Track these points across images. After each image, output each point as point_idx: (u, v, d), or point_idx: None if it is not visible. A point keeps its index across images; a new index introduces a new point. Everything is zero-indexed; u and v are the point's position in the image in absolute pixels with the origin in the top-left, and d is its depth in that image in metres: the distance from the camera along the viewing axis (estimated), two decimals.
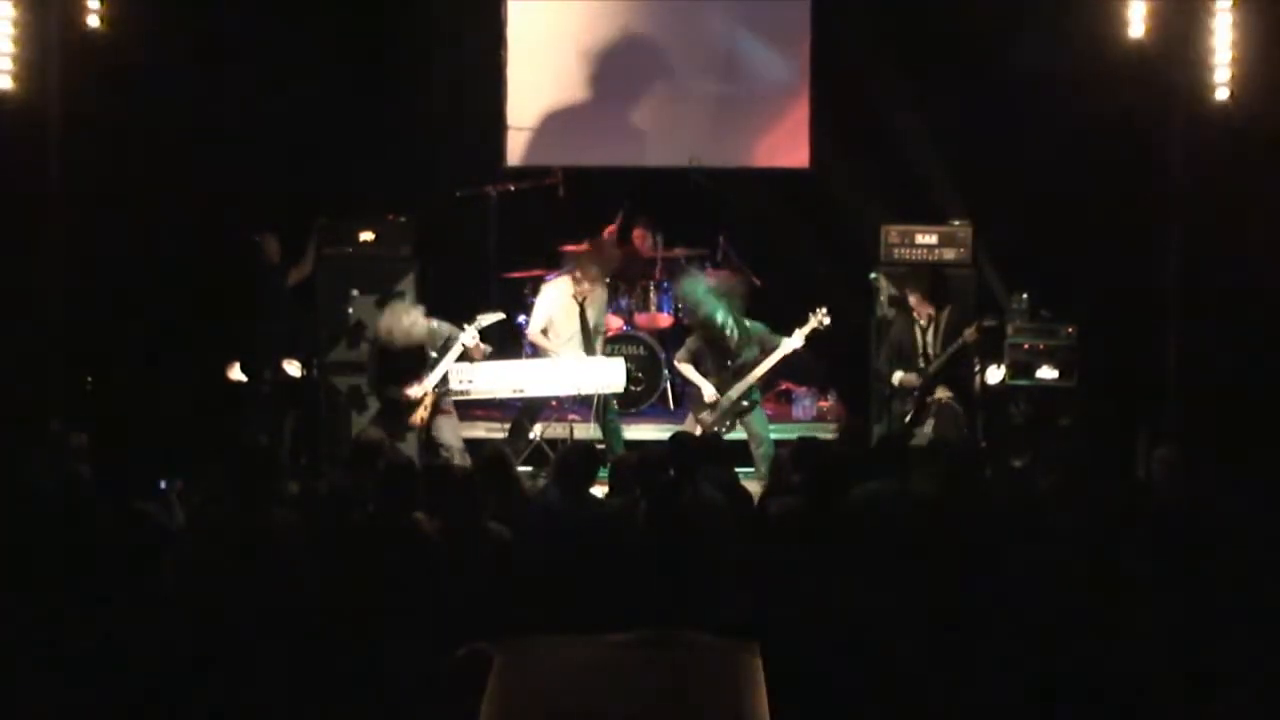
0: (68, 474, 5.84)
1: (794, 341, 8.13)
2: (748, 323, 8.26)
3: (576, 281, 8.28)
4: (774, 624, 4.23)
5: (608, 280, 9.04)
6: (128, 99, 8.70)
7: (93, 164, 8.46)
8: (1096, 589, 4.51)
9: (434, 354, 7.73)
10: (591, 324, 8.34)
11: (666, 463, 5.99)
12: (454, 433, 7.88)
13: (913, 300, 8.29)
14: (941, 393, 8.16)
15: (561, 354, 8.28)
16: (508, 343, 9.39)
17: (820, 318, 8.11)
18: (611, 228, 9.71)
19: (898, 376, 8.20)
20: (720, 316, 8.08)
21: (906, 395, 8.22)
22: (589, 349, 8.27)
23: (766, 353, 8.17)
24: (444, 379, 7.73)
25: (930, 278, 8.34)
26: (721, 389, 8.15)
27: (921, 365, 8.19)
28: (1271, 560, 4.72)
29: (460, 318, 7.81)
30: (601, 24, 10.40)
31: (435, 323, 7.82)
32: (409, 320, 7.72)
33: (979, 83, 9.39)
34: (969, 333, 8.07)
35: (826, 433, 8.89)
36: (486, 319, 7.80)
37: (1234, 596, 4.49)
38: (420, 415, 7.72)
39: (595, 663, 3.53)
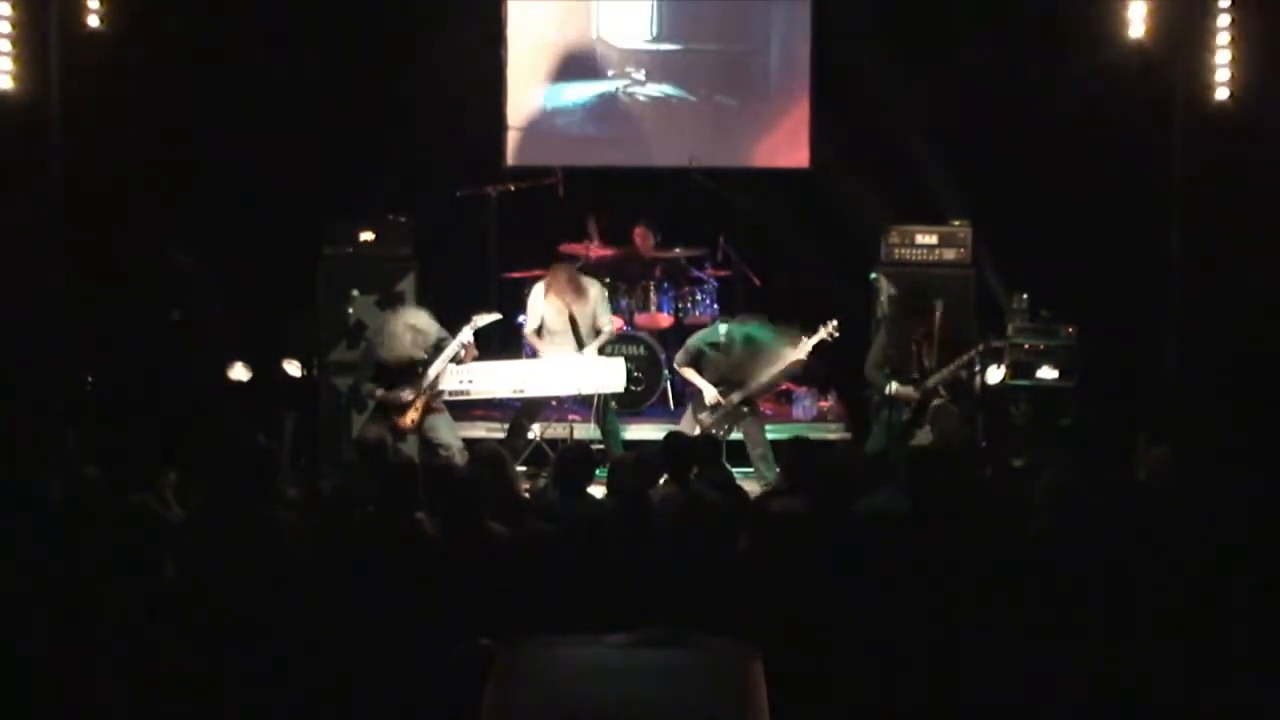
0: (70, 472, 5.83)
1: (799, 352, 8.12)
2: (754, 329, 8.25)
3: (550, 290, 8.31)
4: (774, 624, 4.24)
5: (608, 281, 9.07)
6: (128, 99, 8.70)
7: (93, 164, 8.46)
8: (1095, 589, 4.51)
9: (425, 356, 7.71)
10: (584, 322, 8.33)
11: (659, 463, 6.00)
12: (451, 431, 7.86)
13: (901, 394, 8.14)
14: (939, 399, 8.15)
15: (550, 353, 8.30)
16: (509, 343, 9.40)
17: (829, 330, 8.09)
18: (595, 246, 9.71)
19: (893, 388, 8.14)
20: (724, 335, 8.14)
21: (903, 405, 8.18)
22: (579, 345, 8.27)
23: (772, 361, 8.16)
24: (435, 381, 7.71)
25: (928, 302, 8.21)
26: (723, 392, 8.16)
27: (916, 376, 8.14)
28: (1270, 560, 4.72)
29: (460, 318, 7.81)
30: (601, 23, 10.40)
31: (435, 327, 7.81)
32: (407, 327, 7.67)
33: (979, 82, 9.38)
34: (973, 354, 8.03)
35: (828, 433, 8.91)
36: (483, 319, 7.78)
37: (1232, 596, 4.49)
38: (411, 417, 7.70)
39: (595, 663, 3.53)
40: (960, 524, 4.92)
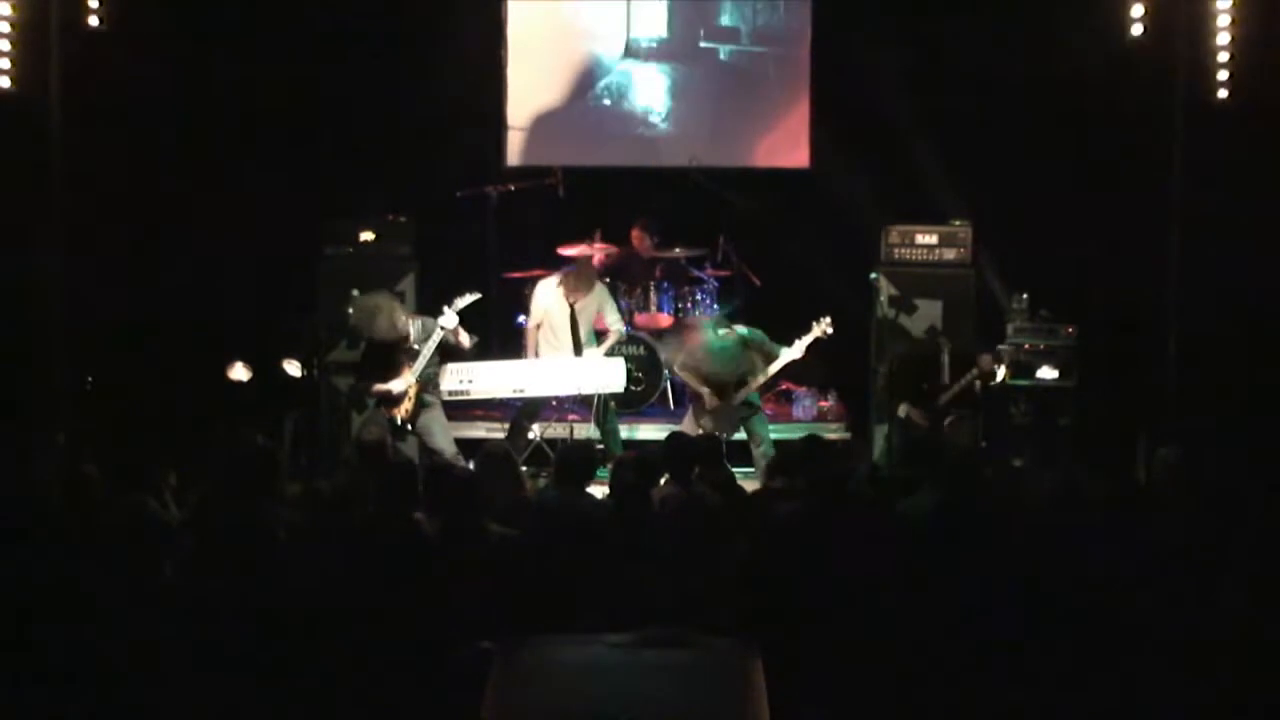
0: (69, 472, 5.83)
1: (794, 351, 8.12)
2: (747, 331, 8.25)
3: (563, 285, 8.31)
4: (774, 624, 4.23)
5: (607, 281, 9.07)
6: (128, 99, 8.70)
7: (93, 164, 8.45)
8: (1094, 590, 4.51)
9: (416, 346, 7.70)
10: (586, 321, 8.33)
11: (660, 463, 6.00)
12: (445, 435, 7.81)
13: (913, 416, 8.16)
14: (953, 415, 8.14)
15: (547, 352, 8.33)
16: (509, 343, 9.41)
17: (823, 327, 8.09)
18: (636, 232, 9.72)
19: (904, 410, 8.08)
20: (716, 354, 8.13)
21: (915, 427, 8.15)
22: (577, 349, 8.27)
23: (767, 362, 8.16)
24: (428, 371, 7.69)
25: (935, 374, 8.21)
26: (723, 396, 8.15)
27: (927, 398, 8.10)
28: (1271, 560, 4.72)
29: (460, 318, 7.79)
30: (601, 24, 10.41)
31: (420, 320, 7.80)
32: (380, 314, 7.68)
33: (979, 83, 9.38)
34: (984, 360, 8.00)
35: (828, 433, 8.91)
36: (462, 301, 7.74)
37: (1233, 596, 4.49)
38: (405, 408, 7.69)
39: (595, 663, 3.53)
40: (964, 520, 4.94)
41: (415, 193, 9.25)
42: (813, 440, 6.32)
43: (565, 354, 8.33)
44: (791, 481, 5.90)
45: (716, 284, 9.77)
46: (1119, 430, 8.35)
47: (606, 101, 10.47)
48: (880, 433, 8.49)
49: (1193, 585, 4.53)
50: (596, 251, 9.63)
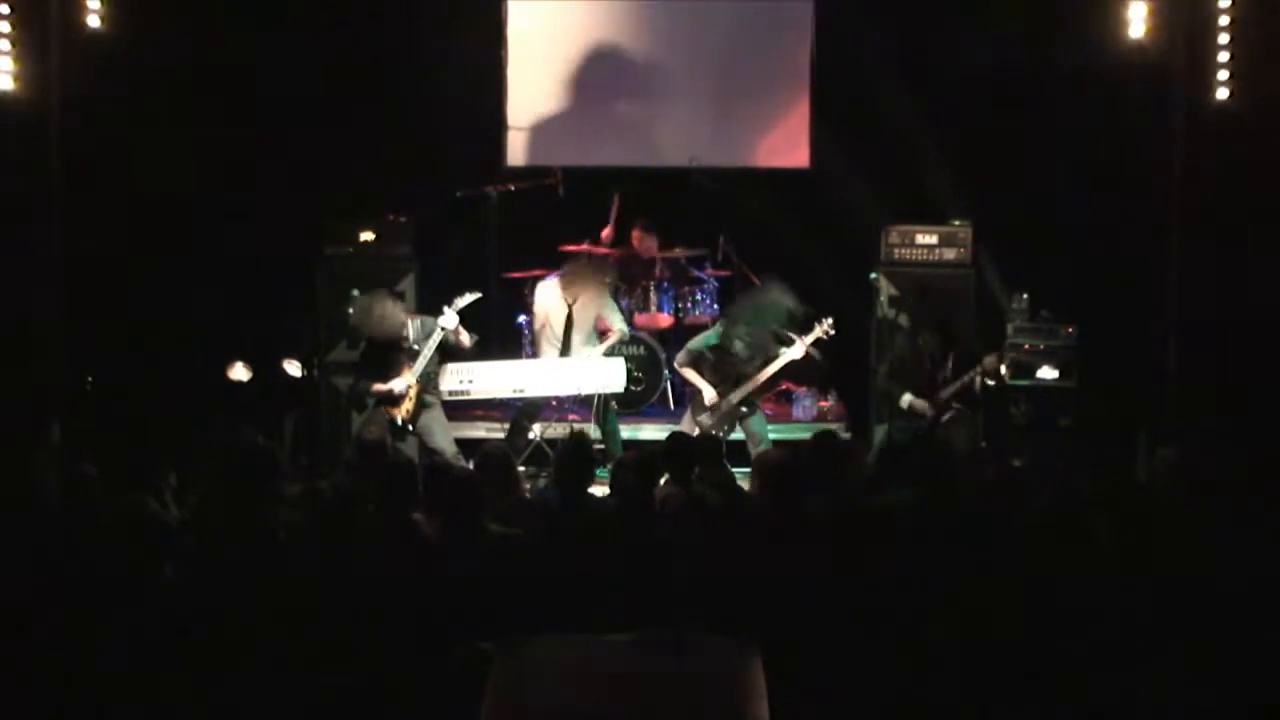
0: (68, 473, 5.83)
1: (796, 351, 8.11)
2: (751, 330, 8.25)
3: (563, 286, 8.30)
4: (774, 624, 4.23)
5: (607, 282, 9.06)
6: (128, 99, 8.70)
7: (93, 164, 8.46)
8: (1094, 589, 4.51)
9: (416, 346, 7.69)
10: (583, 324, 8.32)
11: (661, 463, 6.00)
12: (445, 435, 7.81)
13: (916, 406, 8.04)
14: (954, 410, 8.13)
15: (544, 350, 8.31)
16: (509, 343, 9.40)
17: (825, 328, 8.09)
18: (608, 229, 9.76)
19: (907, 400, 8.05)
20: (733, 336, 8.11)
21: (918, 418, 8.13)
22: (565, 350, 8.26)
23: (768, 360, 8.16)
24: (428, 371, 7.69)
25: (940, 327, 8.15)
26: (722, 393, 8.15)
27: (935, 383, 8.09)
28: (1271, 561, 4.72)
29: (461, 318, 7.79)
30: (601, 23, 10.41)
31: (420, 319, 7.80)
32: (380, 312, 7.67)
33: (979, 83, 9.39)
34: (989, 360, 7.96)
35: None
36: (463, 300, 7.73)
37: (1233, 596, 4.49)
38: (406, 408, 7.69)
39: (595, 663, 3.53)
40: (962, 519, 4.94)
41: (415, 193, 9.25)
42: (824, 436, 6.31)
43: (553, 354, 8.33)
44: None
45: (716, 284, 9.77)
46: (1119, 430, 8.34)
47: (606, 101, 10.46)
48: (880, 432, 8.49)
49: (1191, 585, 4.53)
50: (597, 252, 9.64)
